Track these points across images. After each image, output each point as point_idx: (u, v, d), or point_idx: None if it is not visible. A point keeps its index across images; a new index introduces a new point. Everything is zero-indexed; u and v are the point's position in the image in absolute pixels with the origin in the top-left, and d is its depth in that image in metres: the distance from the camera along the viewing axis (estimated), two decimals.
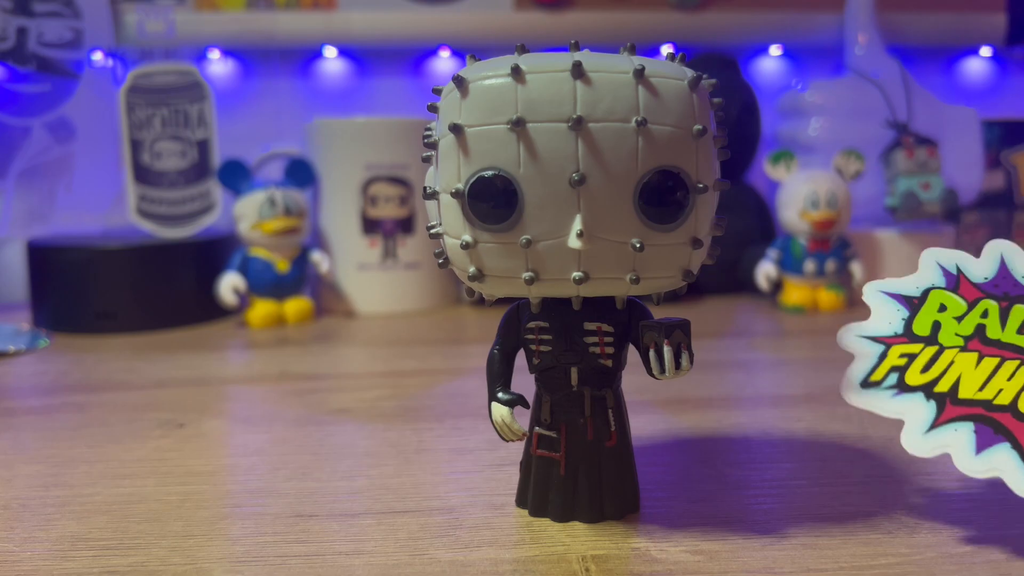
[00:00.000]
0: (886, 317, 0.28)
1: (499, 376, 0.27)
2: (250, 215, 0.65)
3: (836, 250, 0.68)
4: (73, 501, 0.30)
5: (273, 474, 0.33)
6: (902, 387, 0.26)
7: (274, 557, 0.25)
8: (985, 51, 0.95)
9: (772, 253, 0.69)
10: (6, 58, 0.69)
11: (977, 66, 0.96)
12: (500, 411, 0.26)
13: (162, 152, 0.70)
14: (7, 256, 0.83)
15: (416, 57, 0.89)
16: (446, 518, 0.28)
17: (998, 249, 0.27)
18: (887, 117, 0.76)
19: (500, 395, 0.27)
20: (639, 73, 0.23)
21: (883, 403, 0.26)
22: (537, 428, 0.28)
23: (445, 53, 0.88)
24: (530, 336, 0.27)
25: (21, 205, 0.72)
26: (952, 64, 0.96)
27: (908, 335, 0.27)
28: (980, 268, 0.27)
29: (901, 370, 0.27)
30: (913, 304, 0.27)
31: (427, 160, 0.27)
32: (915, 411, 0.26)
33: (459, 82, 0.24)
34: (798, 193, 0.67)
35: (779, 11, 0.89)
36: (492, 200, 0.24)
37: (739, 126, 0.76)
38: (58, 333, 0.65)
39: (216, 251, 0.70)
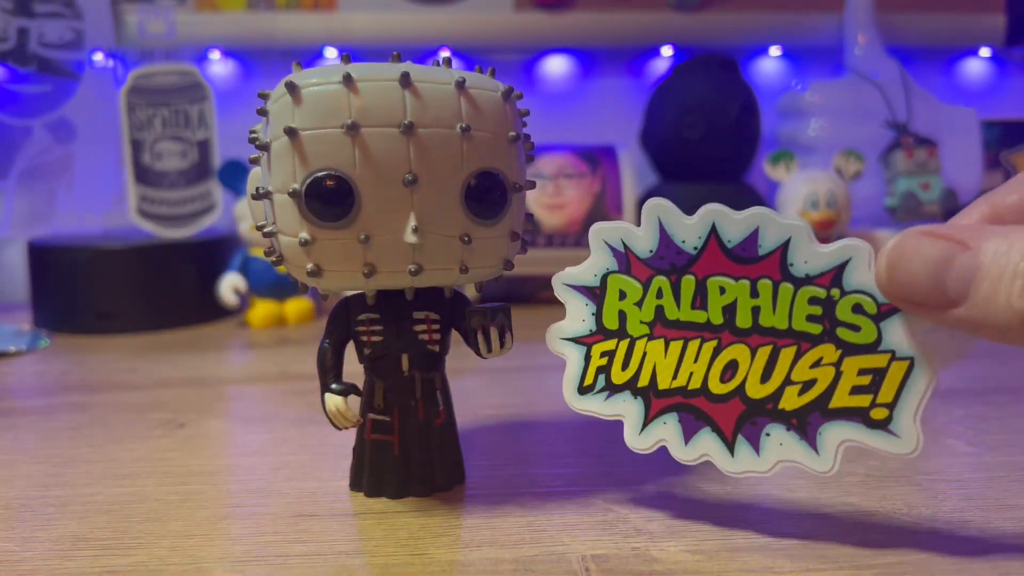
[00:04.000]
0: (579, 314, 0.26)
1: (331, 368, 0.29)
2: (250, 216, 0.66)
3: None
4: (74, 501, 0.30)
5: (274, 474, 0.33)
6: (611, 388, 0.26)
7: (274, 557, 0.25)
8: (984, 51, 0.95)
9: None
10: (7, 58, 0.69)
11: (976, 66, 0.96)
12: (334, 400, 0.28)
13: (163, 152, 0.71)
14: (8, 256, 0.83)
15: (416, 58, 0.88)
16: (446, 518, 0.28)
17: (655, 213, 0.25)
18: (887, 117, 0.77)
19: (333, 386, 0.28)
20: (460, 84, 0.26)
21: (600, 407, 0.26)
22: (370, 414, 0.29)
23: (445, 54, 0.88)
24: (361, 328, 0.29)
25: (22, 205, 0.72)
26: (951, 64, 0.96)
27: (602, 331, 0.26)
28: (644, 241, 0.25)
29: (606, 370, 0.26)
30: (596, 295, 0.26)
31: (255, 162, 0.27)
32: (629, 410, 0.26)
33: (291, 88, 0.25)
34: (798, 193, 0.67)
35: (779, 11, 0.89)
36: (330, 199, 0.25)
37: (739, 126, 0.76)
38: (59, 333, 0.65)
39: (217, 251, 0.70)
